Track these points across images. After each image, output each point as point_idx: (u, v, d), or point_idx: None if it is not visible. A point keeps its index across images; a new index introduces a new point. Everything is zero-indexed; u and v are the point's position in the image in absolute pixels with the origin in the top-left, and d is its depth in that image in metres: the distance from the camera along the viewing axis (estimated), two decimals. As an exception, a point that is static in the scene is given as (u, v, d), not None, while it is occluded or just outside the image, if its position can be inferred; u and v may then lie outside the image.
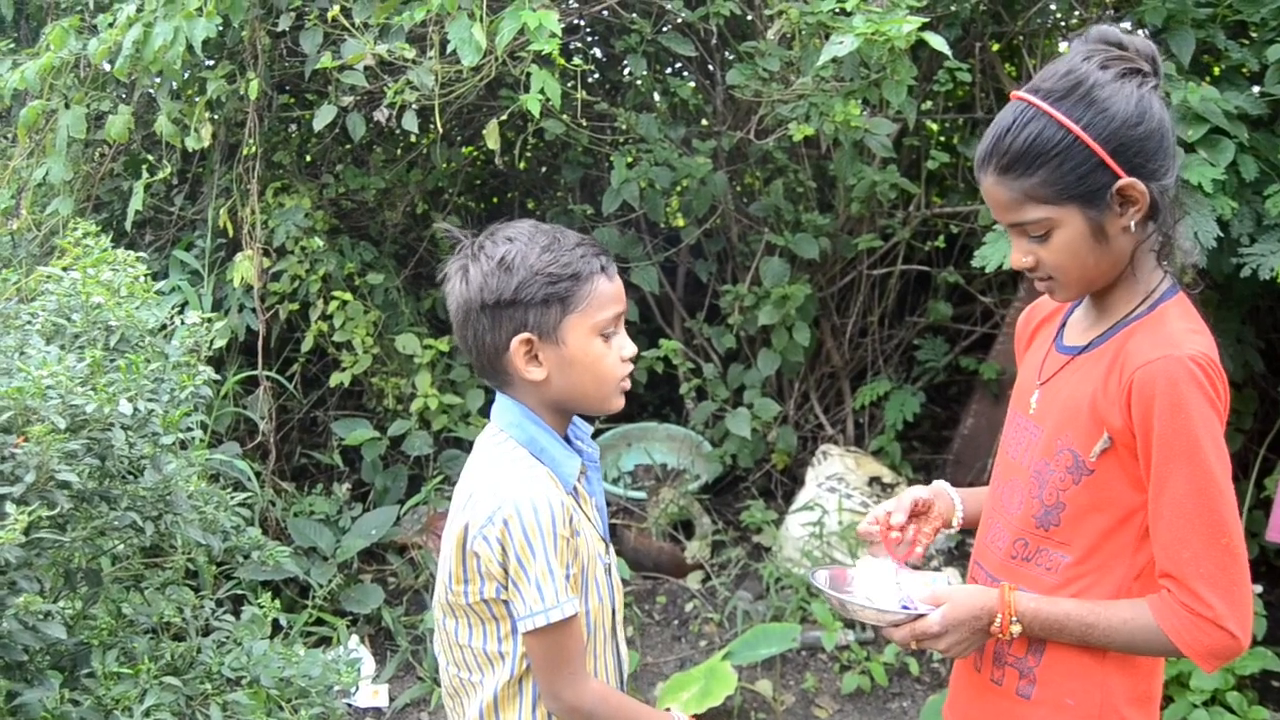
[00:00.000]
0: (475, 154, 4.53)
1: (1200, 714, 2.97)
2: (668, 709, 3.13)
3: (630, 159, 3.90)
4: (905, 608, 1.61)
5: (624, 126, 3.81)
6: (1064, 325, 1.66)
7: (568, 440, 1.68)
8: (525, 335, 1.55)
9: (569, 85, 3.23)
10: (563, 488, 1.58)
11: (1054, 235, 1.47)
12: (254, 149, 3.54)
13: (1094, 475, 1.51)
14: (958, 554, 3.88)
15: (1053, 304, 1.73)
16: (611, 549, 1.74)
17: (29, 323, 2.12)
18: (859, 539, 3.72)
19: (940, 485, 1.84)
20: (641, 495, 4.15)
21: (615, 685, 1.71)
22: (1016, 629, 1.54)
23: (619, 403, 1.64)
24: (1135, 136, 1.43)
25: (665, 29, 3.81)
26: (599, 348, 1.58)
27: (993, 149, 1.47)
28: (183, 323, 2.22)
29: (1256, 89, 2.94)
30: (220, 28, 3.15)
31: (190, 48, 3.07)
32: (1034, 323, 1.77)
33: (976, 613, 1.56)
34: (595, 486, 1.72)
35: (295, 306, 3.76)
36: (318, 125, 3.29)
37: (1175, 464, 1.42)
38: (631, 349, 1.63)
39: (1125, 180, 1.43)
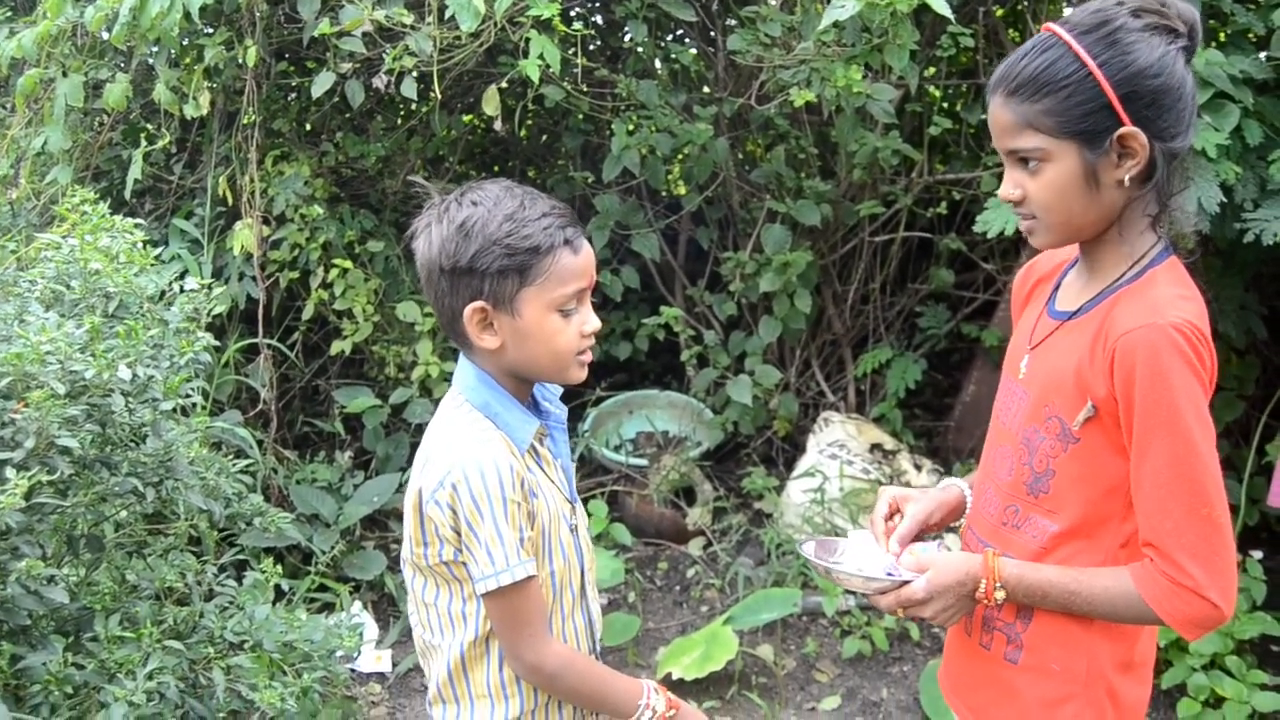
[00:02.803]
0: (475, 122, 4.51)
1: (1199, 678, 2.99)
2: (668, 674, 3.18)
3: (631, 126, 3.88)
4: (890, 575, 1.62)
5: (624, 93, 3.79)
6: (1058, 288, 1.64)
7: (534, 401, 1.68)
8: (479, 304, 1.54)
9: (569, 51, 3.21)
10: (517, 451, 1.57)
11: (1046, 169, 1.45)
12: (253, 117, 3.53)
13: (1080, 444, 1.50)
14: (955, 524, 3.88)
15: (1049, 264, 1.71)
16: (579, 509, 1.73)
17: (28, 290, 2.13)
18: (861, 508, 3.74)
19: (952, 481, 1.82)
20: (643, 462, 4.16)
21: (586, 646, 1.71)
22: (1001, 595, 1.54)
23: (578, 374, 1.62)
24: (1149, 88, 1.41)
25: (666, -6, 3.78)
26: (555, 323, 1.55)
27: (1007, 71, 1.46)
28: (182, 290, 2.22)
29: (1263, 54, 2.91)
30: (218, -6, 3.14)
31: (187, 14, 3.05)
32: (1030, 282, 1.75)
33: (961, 578, 1.56)
34: (560, 448, 1.71)
35: (296, 274, 3.76)
36: (316, 92, 3.27)
37: (1156, 433, 1.40)
38: (594, 324, 1.60)
39: (1128, 129, 1.41)
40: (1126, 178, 1.44)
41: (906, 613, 1.61)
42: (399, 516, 3.84)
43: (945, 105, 4.49)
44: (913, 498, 1.76)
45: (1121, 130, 1.41)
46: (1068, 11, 1.48)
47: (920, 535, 1.73)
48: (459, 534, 1.52)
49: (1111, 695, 1.57)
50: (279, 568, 2.38)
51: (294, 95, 3.97)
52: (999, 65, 1.49)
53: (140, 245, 2.27)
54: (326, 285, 3.76)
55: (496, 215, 1.52)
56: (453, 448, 1.54)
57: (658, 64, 4.23)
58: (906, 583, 1.59)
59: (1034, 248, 1.59)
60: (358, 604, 3.50)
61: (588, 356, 1.62)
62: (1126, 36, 1.40)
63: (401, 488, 3.77)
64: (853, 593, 3.52)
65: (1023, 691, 1.61)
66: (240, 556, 3.17)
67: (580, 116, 4.15)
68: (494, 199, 1.54)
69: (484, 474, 1.50)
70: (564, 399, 1.76)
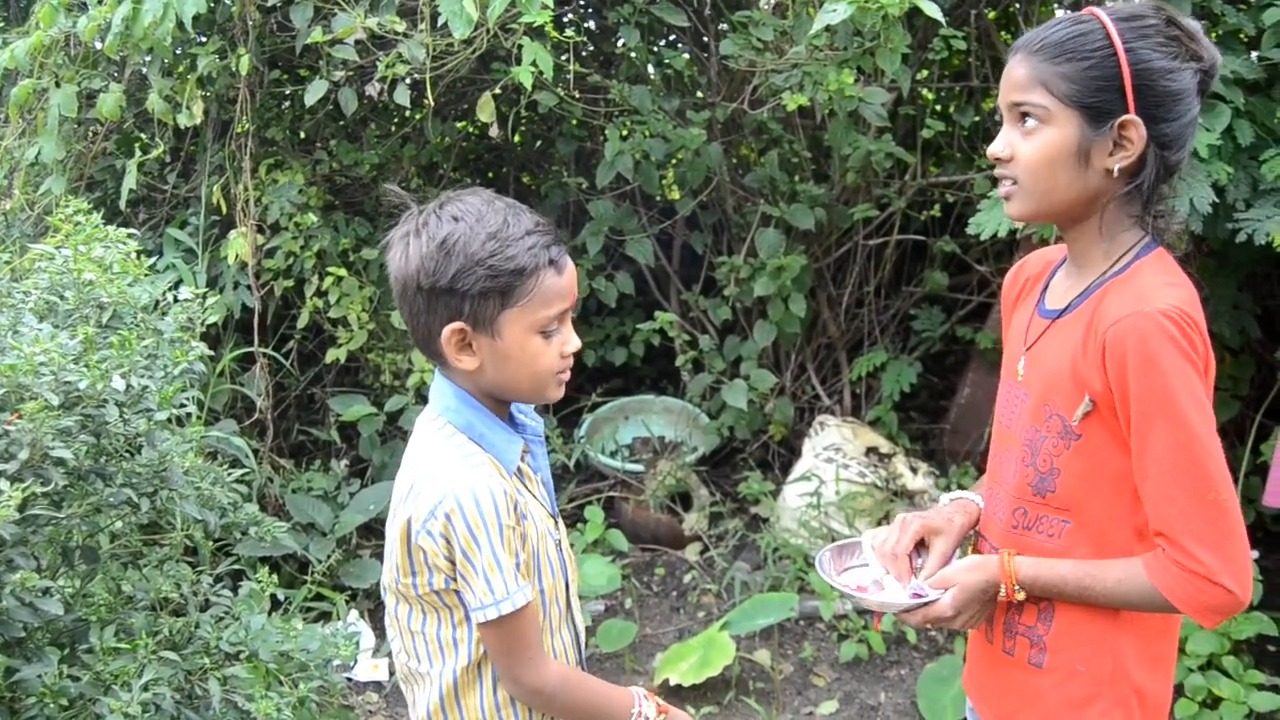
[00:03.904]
0: (469, 129, 4.51)
1: (1196, 678, 2.99)
2: (666, 680, 3.17)
3: (624, 131, 3.88)
4: (916, 594, 1.62)
5: (617, 98, 3.80)
6: (1046, 289, 1.65)
7: (510, 418, 1.63)
8: (458, 325, 1.48)
9: (562, 57, 3.21)
10: (505, 473, 1.53)
11: (1043, 132, 1.47)
12: (246, 125, 3.53)
13: (1082, 440, 1.50)
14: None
15: (1038, 264, 1.72)
16: (561, 524, 1.70)
17: (22, 301, 2.13)
18: (857, 511, 3.74)
19: (962, 494, 1.79)
20: (639, 468, 4.16)
21: (573, 659, 1.69)
22: (1021, 595, 1.56)
23: (556, 394, 1.57)
24: (1163, 88, 1.43)
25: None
26: (536, 345, 1.50)
27: (1035, 34, 1.49)
28: (176, 299, 2.22)
29: (1254, 54, 2.92)
30: (210, 3, 3.13)
31: (180, 24, 3.05)
32: (1019, 283, 1.75)
33: (984, 587, 1.58)
34: (540, 462, 1.67)
35: (290, 283, 3.75)
36: (309, 100, 3.27)
37: (1153, 421, 1.41)
38: (574, 344, 1.55)
39: (1132, 117, 1.43)
40: (1116, 168, 1.46)
41: (935, 626, 1.62)
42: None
43: (938, 108, 4.49)
44: (943, 531, 1.71)
45: (1125, 117, 1.44)
46: (1059, 14, 1.49)
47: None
48: (453, 563, 1.47)
49: (1138, 693, 1.57)
50: (275, 577, 2.38)
51: (287, 103, 3.97)
52: (1024, 33, 1.52)
53: (134, 255, 2.27)
54: (321, 293, 3.76)
55: (479, 233, 1.46)
56: (441, 474, 1.48)
57: (650, 69, 4.23)
58: (932, 601, 1.60)
59: (1027, 250, 1.60)
60: (354, 613, 3.49)
61: (566, 375, 1.57)
62: (1156, 36, 1.44)
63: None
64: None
65: (1047, 695, 1.60)
66: (236, 566, 3.17)
67: (574, 122, 4.16)
68: (476, 215, 1.48)
69: (478, 501, 1.45)
70: (558, 404, 1.75)
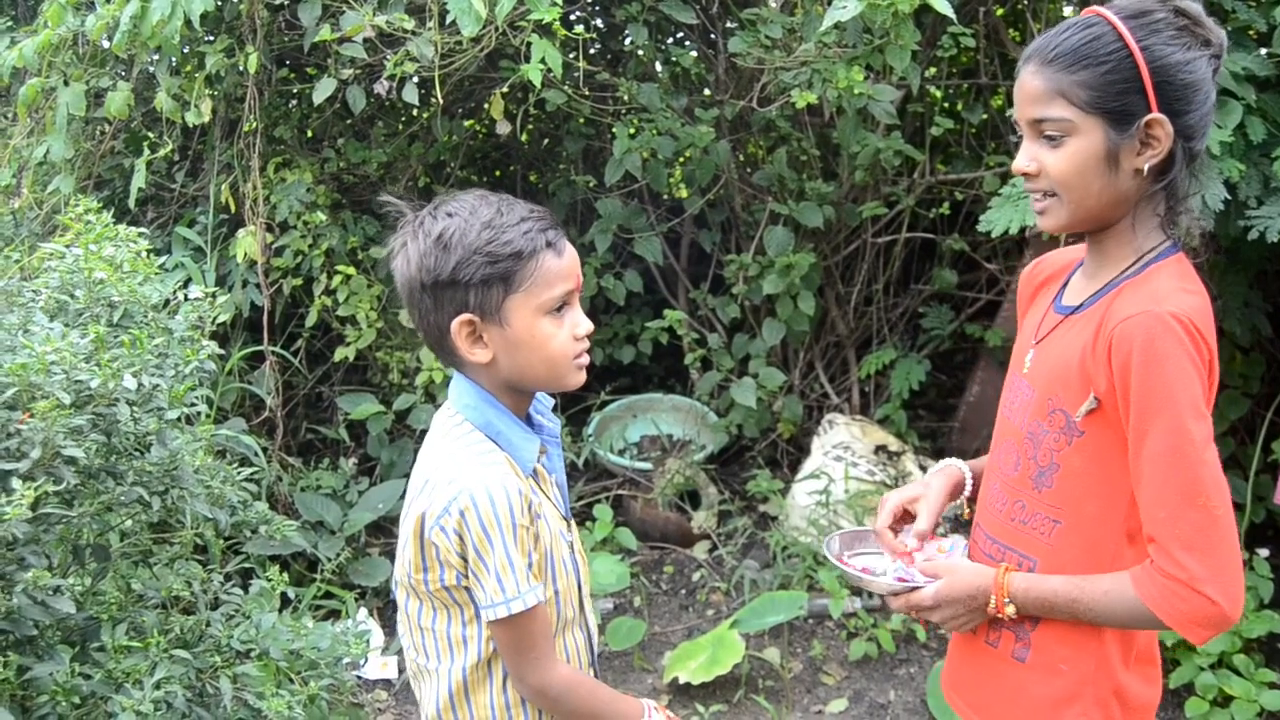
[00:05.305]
0: (477, 127, 4.51)
1: (1207, 677, 2.98)
2: (675, 678, 3.17)
3: (633, 129, 3.88)
4: (902, 579, 1.64)
5: (626, 96, 3.79)
6: (1065, 286, 1.64)
7: (528, 418, 1.63)
8: (466, 316, 1.49)
9: (570, 55, 3.21)
10: (522, 472, 1.54)
11: (1068, 142, 1.45)
12: (254, 124, 3.53)
13: (1084, 437, 1.49)
14: (966, 520, 3.87)
15: (1059, 262, 1.71)
16: (573, 525, 1.70)
17: (32, 300, 2.13)
18: (866, 510, 3.73)
19: (949, 462, 1.82)
20: (648, 466, 4.15)
21: (586, 661, 1.69)
22: (1011, 609, 1.55)
23: (576, 379, 1.57)
24: (1182, 81, 1.42)
25: (666, -3, 3.79)
26: (546, 328, 1.51)
27: (1045, 43, 1.47)
28: (186, 298, 2.22)
29: (1264, 50, 2.91)
30: (218, 1, 3.13)
31: (188, 22, 3.05)
32: (1036, 281, 1.74)
33: (972, 592, 1.58)
34: (556, 463, 1.67)
35: (299, 281, 3.76)
36: (318, 99, 3.27)
37: (1151, 421, 1.39)
38: (586, 326, 1.55)
39: (1157, 115, 1.42)
40: (1145, 167, 1.45)
41: (915, 615, 1.63)
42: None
43: (947, 105, 4.49)
44: (921, 496, 1.75)
45: (1150, 116, 1.42)
46: (1067, 11, 1.47)
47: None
48: (466, 560, 1.48)
49: (1119, 695, 1.57)
50: (285, 575, 2.37)
51: (295, 102, 3.97)
52: (1032, 41, 1.49)
53: (144, 254, 2.27)
54: (330, 292, 3.76)
55: (474, 224, 1.48)
56: (458, 472, 1.49)
57: (659, 67, 4.23)
58: (917, 588, 1.61)
59: (1036, 248, 1.59)
60: (363, 610, 3.49)
61: (585, 360, 1.57)
62: (1167, 29, 1.43)
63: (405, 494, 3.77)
64: (859, 593, 3.52)
65: (1029, 689, 1.61)
66: (246, 564, 3.17)
67: (582, 120, 4.15)
68: (469, 208, 1.50)
69: (493, 499, 1.45)
70: (567, 403, 1.75)
